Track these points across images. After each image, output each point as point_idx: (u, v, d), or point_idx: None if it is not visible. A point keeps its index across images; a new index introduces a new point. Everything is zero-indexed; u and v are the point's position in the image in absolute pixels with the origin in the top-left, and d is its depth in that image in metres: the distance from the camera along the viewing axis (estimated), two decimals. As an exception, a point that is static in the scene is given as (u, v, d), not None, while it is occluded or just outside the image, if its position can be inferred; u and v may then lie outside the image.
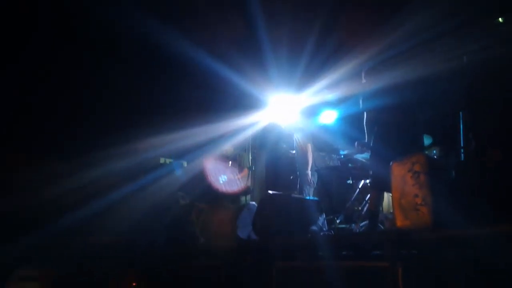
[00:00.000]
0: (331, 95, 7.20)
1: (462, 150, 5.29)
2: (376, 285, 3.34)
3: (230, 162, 7.44)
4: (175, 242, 6.85)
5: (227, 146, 7.51)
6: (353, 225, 5.28)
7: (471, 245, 3.20)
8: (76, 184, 7.70)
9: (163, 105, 8.19)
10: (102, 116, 8.28)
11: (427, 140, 5.87)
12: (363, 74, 4.76)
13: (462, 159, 5.20)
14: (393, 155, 3.94)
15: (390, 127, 4.36)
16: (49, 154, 8.19)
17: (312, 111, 7.79)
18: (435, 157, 5.80)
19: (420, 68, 4.46)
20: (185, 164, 7.96)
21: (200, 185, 7.23)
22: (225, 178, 7.03)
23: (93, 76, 7.63)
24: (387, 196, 5.32)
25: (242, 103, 7.65)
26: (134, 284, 6.83)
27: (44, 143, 8.01)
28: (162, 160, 8.15)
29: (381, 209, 5.33)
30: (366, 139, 4.71)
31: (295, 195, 5.95)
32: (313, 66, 6.83)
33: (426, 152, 5.38)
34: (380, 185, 4.44)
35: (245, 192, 7.17)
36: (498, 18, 4.91)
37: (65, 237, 7.48)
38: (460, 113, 5.26)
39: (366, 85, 4.64)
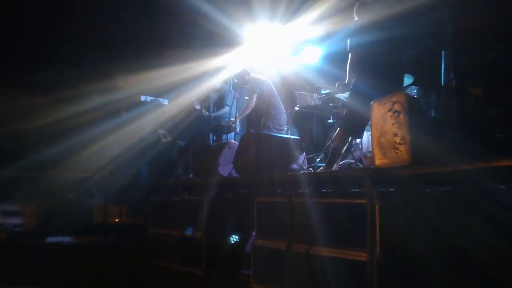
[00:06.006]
0: (315, 32, 7.06)
1: (442, 90, 5.30)
2: (354, 221, 3.45)
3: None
4: (157, 178, 6.92)
5: (216, 82, 7.43)
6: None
7: (448, 182, 3.29)
8: (56, 118, 7.60)
9: (141, 41, 7.95)
10: (82, 51, 8.05)
11: (408, 79, 5.87)
12: (354, 11, 4.63)
13: (442, 98, 5.22)
14: (374, 94, 3.93)
15: (375, 65, 4.31)
16: (28, 88, 8.01)
17: (295, 49, 7.68)
18: (416, 96, 5.82)
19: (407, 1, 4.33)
20: (166, 102, 7.88)
21: (182, 123, 7.20)
22: None
23: (73, 9, 7.33)
24: (366, 135, 5.38)
25: (222, 40, 7.49)
26: (116, 220, 6.95)
27: (23, 77, 7.80)
28: (143, 98, 8.04)
29: (361, 147, 5.41)
30: (347, 80, 4.66)
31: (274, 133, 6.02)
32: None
33: (407, 91, 5.38)
34: (350, 128, 4.46)
35: (228, 129, 7.20)
36: None
37: (45, 172, 7.48)
38: (442, 52, 5.22)
39: (357, 22, 4.52)
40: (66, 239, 7.12)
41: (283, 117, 6.69)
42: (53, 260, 6.20)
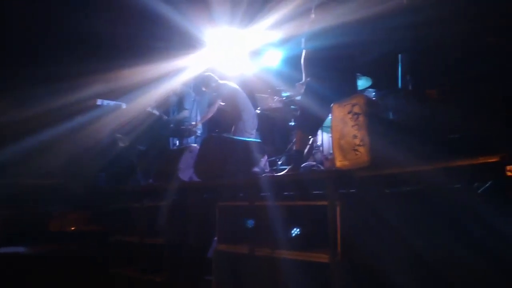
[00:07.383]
0: (275, 35, 7.08)
1: (400, 92, 5.41)
2: (316, 223, 3.45)
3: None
4: (116, 184, 6.76)
5: (175, 85, 7.34)
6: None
7: (407, 183, 3.35)
8: (7, 121, 7.28)
9: (97, 41, 7.71)
10: (35, 50, 7.75)
11: (366, 82, 5.97)
12: (312, 9, 4.63)
13: (400, 100, 5.33)
14: (327, 94, 3.97)
15: (329, 67, 4.33)
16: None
17: (255, 52, 7.69)
18: (374, 98, 5.92)
19: (366, 6, 4.39)
20: (123, 105, 7.69)
21: (139, 128, 7.06)
22: None
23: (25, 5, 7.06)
24: (327, 137, 5.42)
25: (183, 42, 7.40)
26: (72, 228, 6.74)
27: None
28: (99, 102, 7.81)
29: (322, 149, 5.46)
30: (303, 78, 4.66)
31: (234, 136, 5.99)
32: (257, 1, 6.66)
33: (365, 94, 5.47)
34: (306, 126, 4.47)
35: (189, 133, 7.11)
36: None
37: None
38: (399, 55, 5.34)
39: (314, 22, 4.52)
40: (20, 249, 6.82)
41: (255, 120, 6.65)
42: (5, 272, 5.93)
